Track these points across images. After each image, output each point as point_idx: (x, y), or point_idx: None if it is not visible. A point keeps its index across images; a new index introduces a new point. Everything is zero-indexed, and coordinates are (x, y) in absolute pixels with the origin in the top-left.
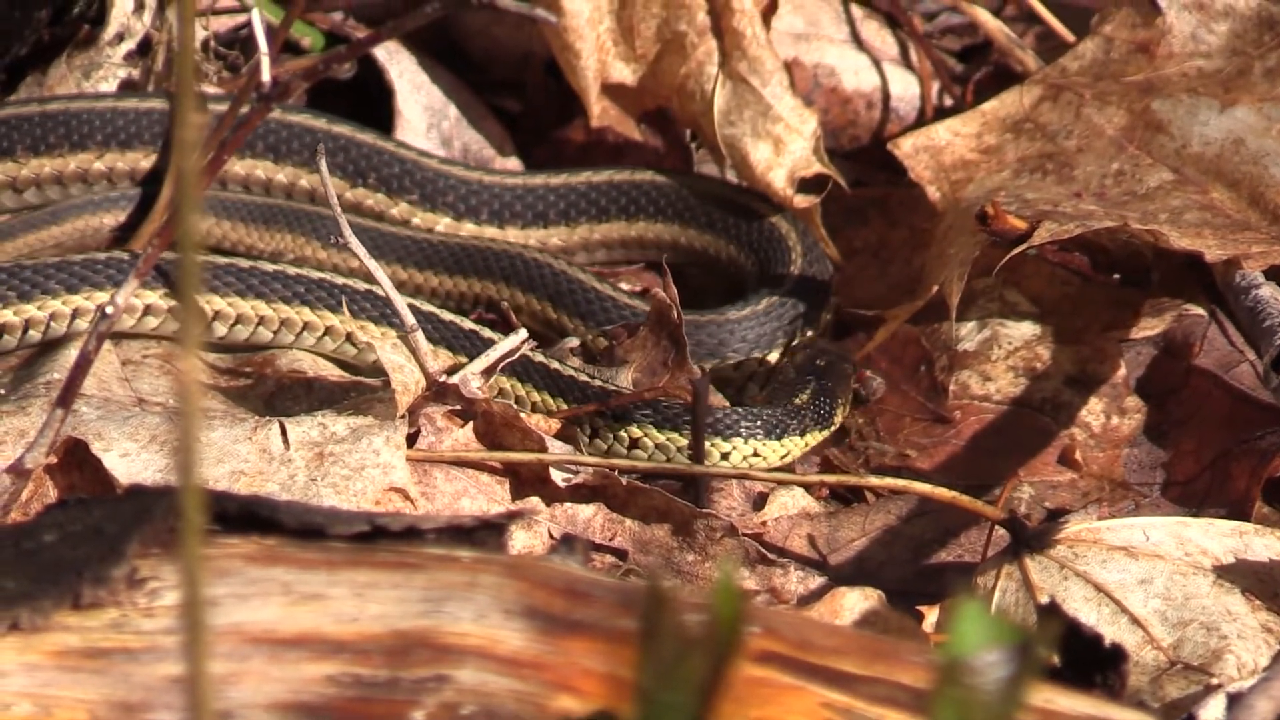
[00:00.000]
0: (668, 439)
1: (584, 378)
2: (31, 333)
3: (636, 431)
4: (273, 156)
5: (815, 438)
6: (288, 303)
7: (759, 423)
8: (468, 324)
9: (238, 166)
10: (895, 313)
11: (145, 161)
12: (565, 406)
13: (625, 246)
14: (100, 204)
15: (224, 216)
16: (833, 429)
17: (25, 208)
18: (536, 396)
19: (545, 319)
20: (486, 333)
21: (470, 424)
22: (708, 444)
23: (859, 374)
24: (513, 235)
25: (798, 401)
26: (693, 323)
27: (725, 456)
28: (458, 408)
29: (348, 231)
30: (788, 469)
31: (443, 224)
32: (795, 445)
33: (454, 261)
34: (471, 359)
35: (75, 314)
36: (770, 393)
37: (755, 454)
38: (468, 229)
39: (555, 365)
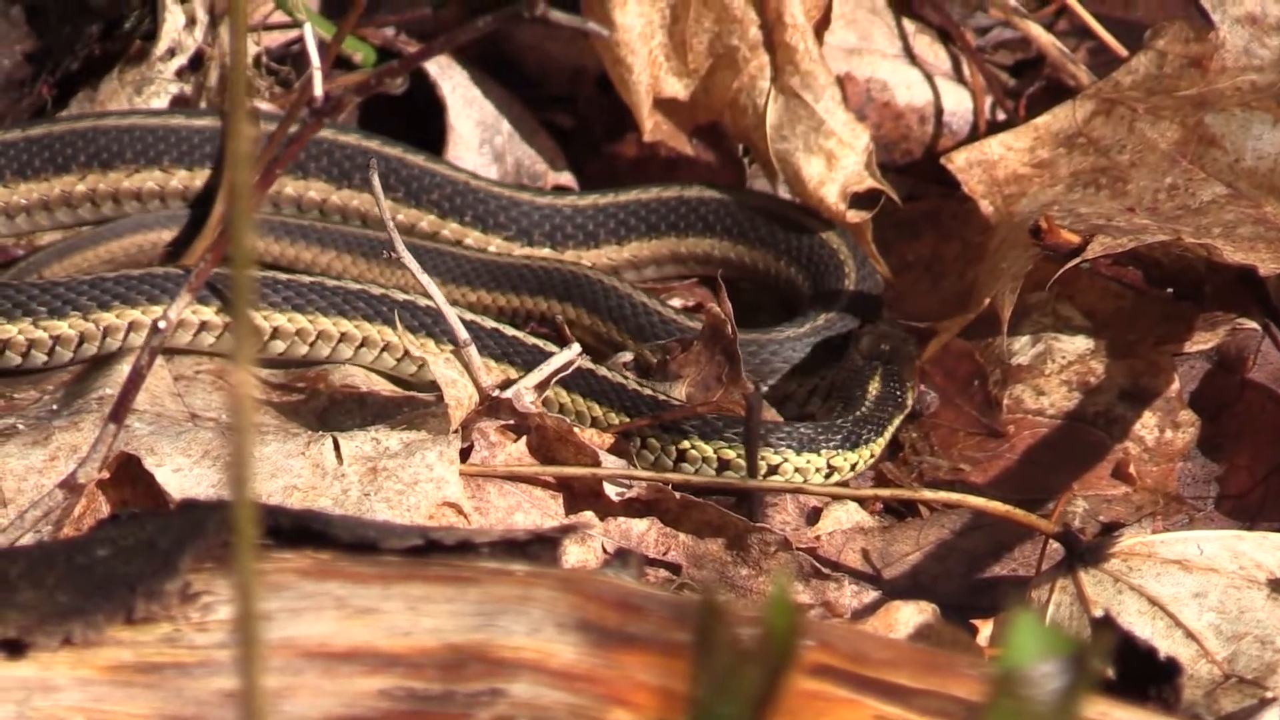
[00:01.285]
0: (718, 452)
1: (641, 389)
2: (86, 346)
3: (688, 445)
4: (325, 178)
5: (878, 445)
6: (347, 317)
7: (830, 434)
8: (521, 336)
9: (290, 188)
10: (947, 325)
11: (198, 180)
12: (621, 419)
13: (676, 262)
14: (154, 221)
15: (276, 236)
16: (905, 410)
17: (80, 223)
18: (597, 411)
19: (597, 334)
20: (539, 344)
21: (524, 438)
22: (778, 458)
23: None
24: (565, 256)
25: (863, 410)
26: (744, 341)
27: (799, 471)
28: (511, 422)
29: (400, 245)
30: (842, 483)
31: (495, 245)
32: (864, 454)
33: (506, 278)
34: (524, 372)
35: (130, 328)
36: (838, 381)
37: (828, 467)
38: (520, 250)
39: (613, 376)
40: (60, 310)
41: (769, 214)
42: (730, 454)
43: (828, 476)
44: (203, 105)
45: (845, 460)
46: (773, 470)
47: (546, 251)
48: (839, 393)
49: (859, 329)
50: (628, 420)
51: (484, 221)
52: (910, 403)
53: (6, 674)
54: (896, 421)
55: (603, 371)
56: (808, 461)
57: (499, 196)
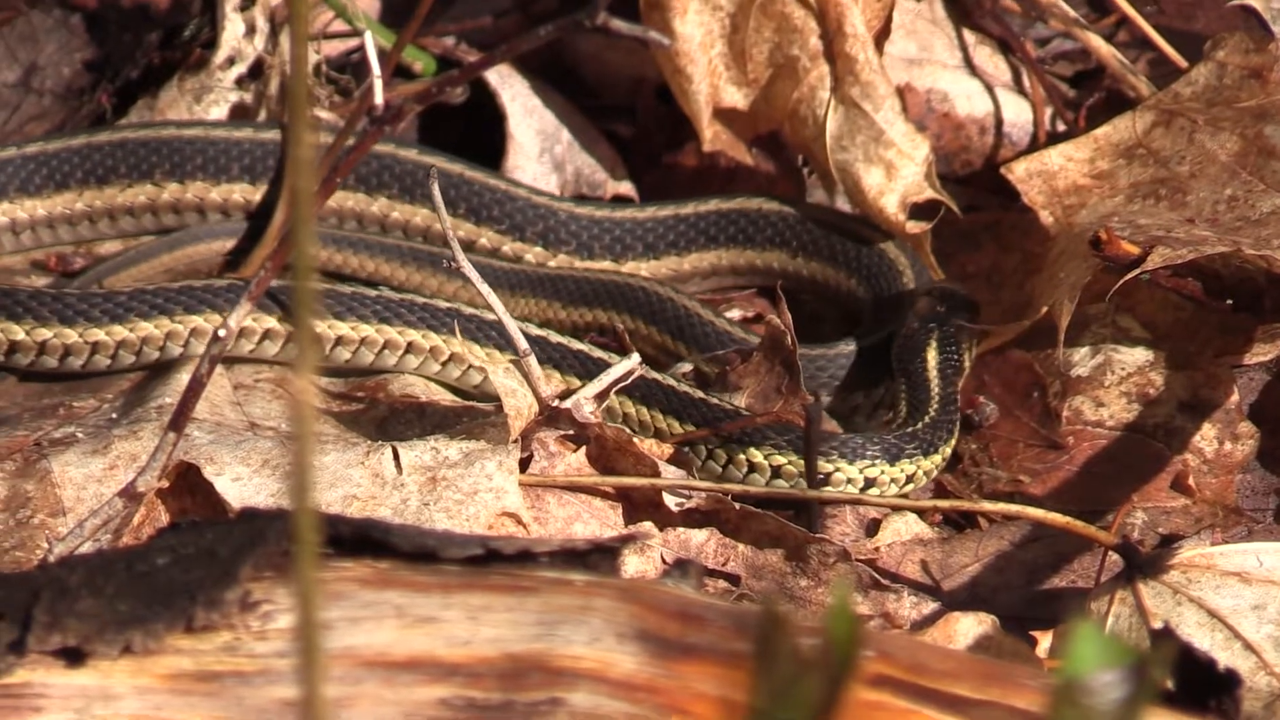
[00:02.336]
0: (790, 462)
1: (703, 397)
2: (147, 351)
3: (756, 455)
4: (387, 193)
5: (943, 455)
6: (409, 326)
7: (905, 442)
8: (581, 346)
9: (351, 202)
10: (1001, 329)
11: (258, 193)
12: (683, 427)
13: (735, 274)
14: (214, 232)
15: (338, 247)
16: (965, 374)
17: (141, 233)
18: (659, 419)
19: (656, 344)
20: (598, 354)
21: (583, 448)
22: (840, 469)
23: (972, 399)
24: (624, 268)
25: (928, 419)
26: (803, 355)
27: (871, 482)
28: (570, 432)
29: (460, 255)
30: (902, 496)
31: (555, 260)
32: (935, 461)
33: (565, 290)
34: (582, 380)
35: (192, 334)
36: (896, 350)
37: (903, 476)
38: (579, 264)
39: (675, 385)
40: (122, 316)
41: (828, 225)
42: (827, 468)
43: (904, 485)
44: (262, 114)
45: (919, 467)
46: (869, 483)
47: (606, 264)
48: (898, 363)
49: (918, 290)
50: (689, 429)
51: (544, 237)
52: (969, 364)
53: (66, 682)
54: (945, 453)
55: (664, 380)
56: (882, 472)
57: (557, 211)
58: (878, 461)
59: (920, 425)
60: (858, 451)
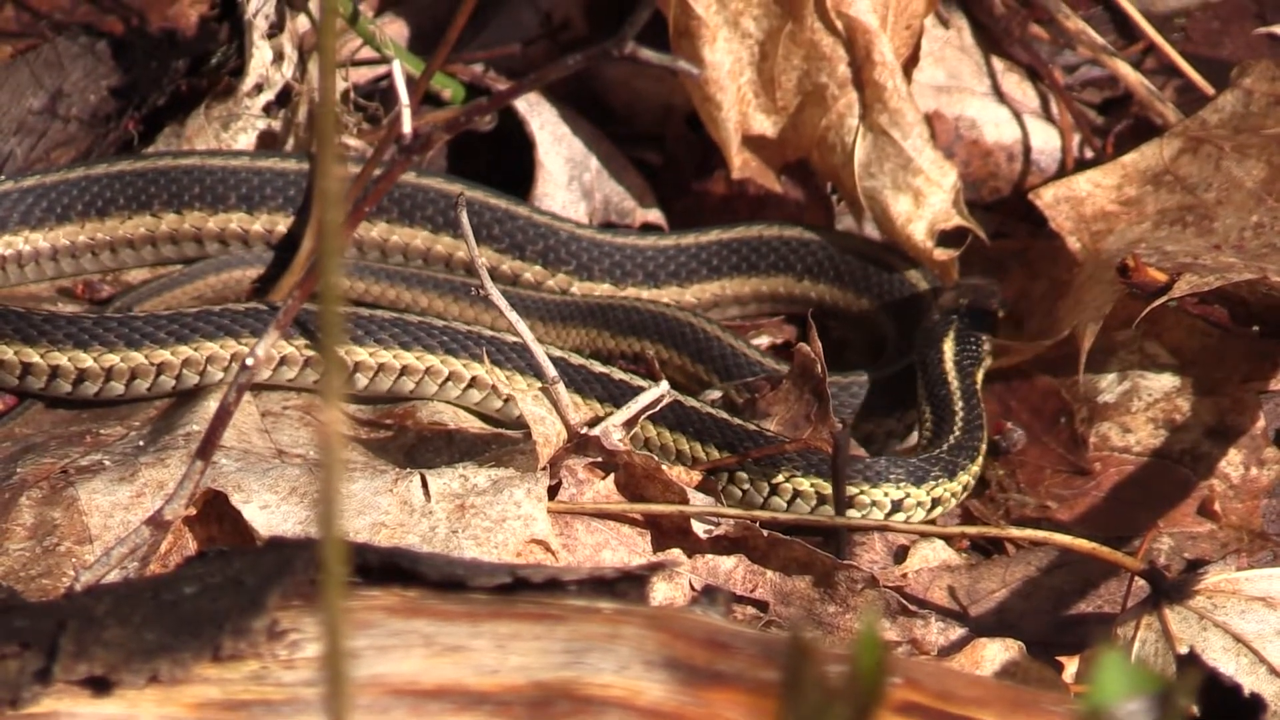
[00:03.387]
0: (815, 488)
1: (733, 422)
2: (164, 378)
3: (785, 480)
4: (425, 226)
5: (974, 471)
6: (432, 352)
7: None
8: (610, 371)
9: (375, 232)
10: (1020, 348)
11: (282, 223)
12: (713, 453)
13: (759, 301)
14: (240, 261)
15: (362, 277)
16: (985, 367)
17: (165, 262)
18: (687, 445)
19: (685, 372)
20: (628, 380)
21: (611, 476)
22: (864, 492)
23: (999, 425)
24: (649, 295)
25: (952, 440)
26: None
27: (897, 505)
28: (599, 460)
29: (488, 282)
30: (929, 522)
31: (577, 287)
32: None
33: (593, 317)
34: (613, 408)
35: (209, 361)
36: (917, 342)
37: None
38: (606, 290)
39: (704, 409)
40: (139, 342)
41: (854, 252)
42: (852, 491)
43: (931, 509)
44: (290, 141)
45: (946, 489)
46: (896, 507)
47: (632, 291)
48: (917, 353)
49: (954, 284)
50: (718, 454)
51: (567, 263)
52: (988, 357)
53: (93, 711)
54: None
55: (693, 404)
56: (908, 495)
57: (583, 239)
58: (903, 484)
59: (946, 447)
60: (882, 475)
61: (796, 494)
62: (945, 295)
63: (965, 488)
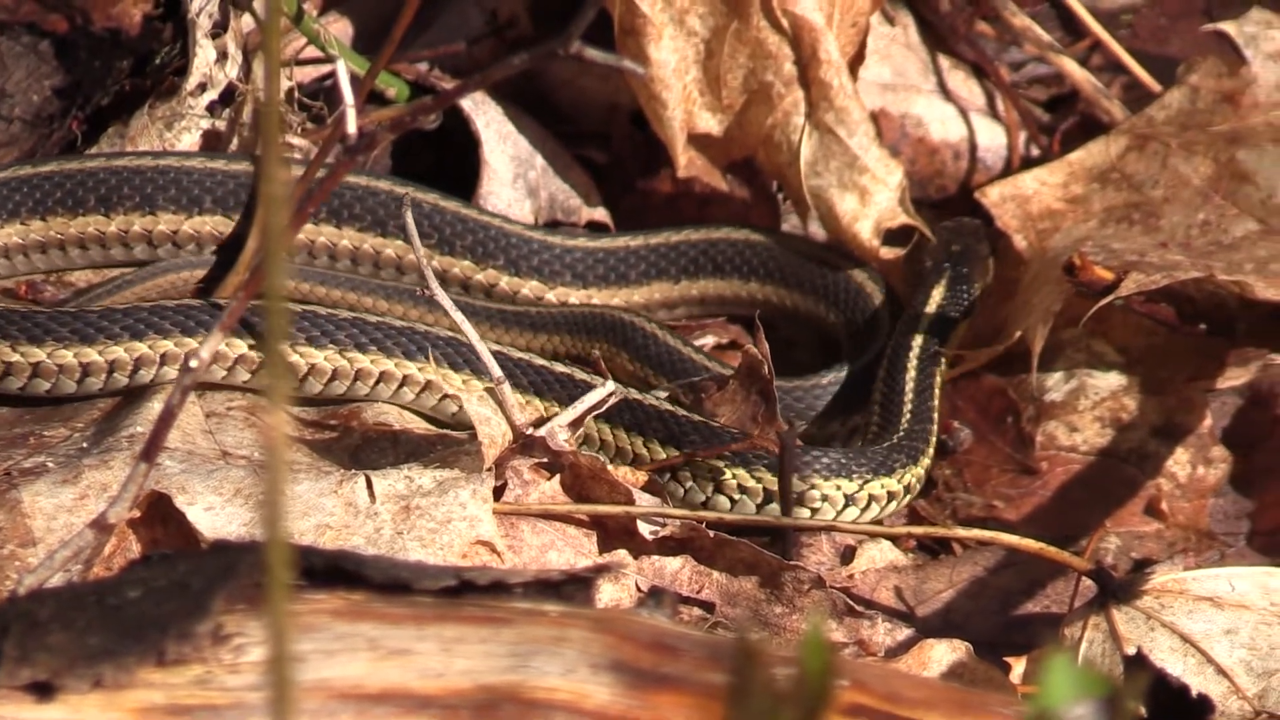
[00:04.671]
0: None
1: (681, 414)
2: (116, 376)
3: (732, 475)
4: (358, 225)
5: (924, 466)
6: (383, 353)
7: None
8: (564, 369)
9: (324, 236)
10: (974, 354)
11: (229, 225)
12: (663, 449)
13: (707, 303)
14: (188, 264)
15: (309, 280)
16: (969, 319)
17: (110, 264)
18: (635, 442)
19: (630, 373)
20: (575, 376)
21: (557, 476)
22: (816, 486)
23: (946, 424)
24: (587, 296)
25: (898, 436)
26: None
27: (850, 498)
28: (545, 460)
29: (434, 283)
30: (876, 522)
31: (528, 289)
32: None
33: (539, 322)
34: (564, 405)
35: (163, 359)
36: (909, 289)
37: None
38: (554, 294)
39: (650, 403)
40: (91, 337)
41: (800, 254)
42: (802, 486)
43: (886, 505)
44: (234, 141)
45: (899, 483)
46: (848, 501)
47: (582, 293)
48: (910, 297)
49: (940, 225)
50: (668, 450)
51: (516, 266)
52: (975, 305)
53: (36, 716)
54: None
55: (640, 398)
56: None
57: (531, 240)
58: (855, 478)
59: (897, 439)
60: (835, 469)
61: (743, 489)
62: (940, 235)
63: (919, 480)
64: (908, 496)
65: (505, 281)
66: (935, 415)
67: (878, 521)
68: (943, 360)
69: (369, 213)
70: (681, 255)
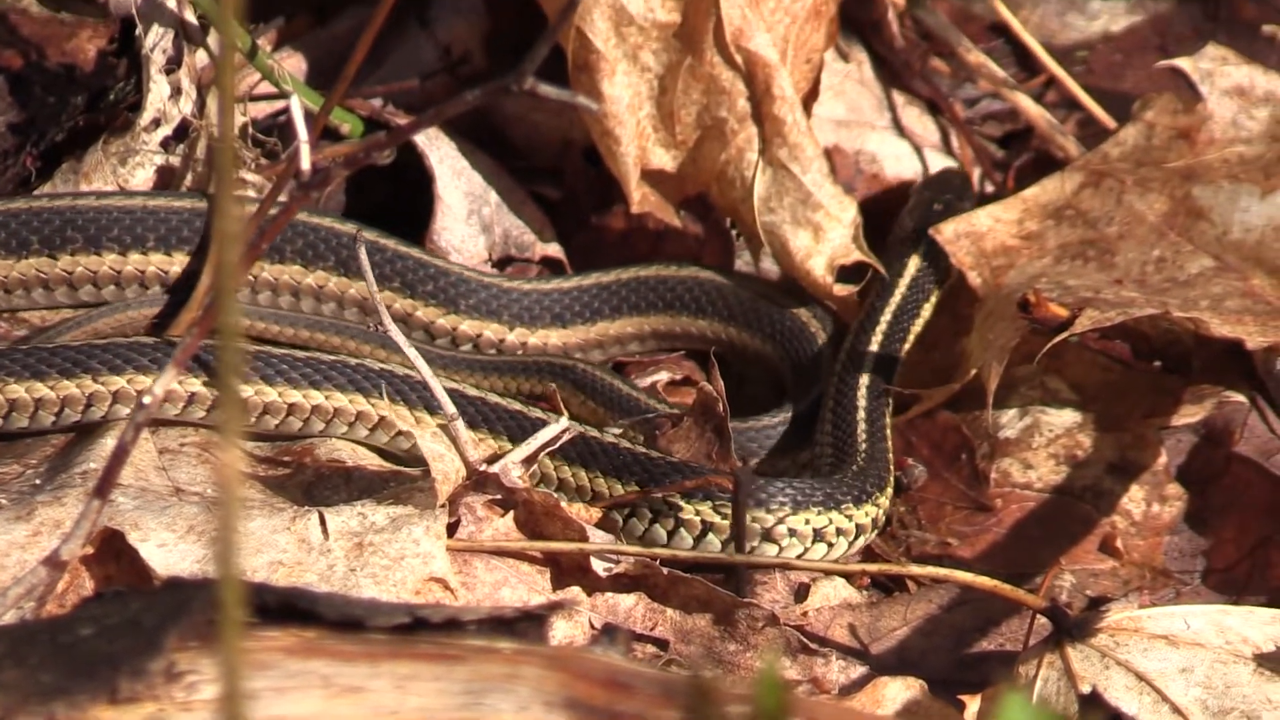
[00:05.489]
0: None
1: (635, 450)
2: (68, 412)
3: (693, 514)
4: (300, 260)
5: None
6: (340, 390)
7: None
8: (519, 407)
9: (268, 272)
10: (931, 394)
11: (177, 264)
12: (617, 485)
13: (658, 339)
14: (138, 304)
15: (263, 319)
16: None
17: (57, 305)
18: (589, 479)
19: (585, 413)
20: (529, 412)
21: (511, 513)
22: (791, 517)
23: (901, 461)
24: (546, 336)
25: (858, 465)
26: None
27: (818, 532)
28: (498, 497)
29: (387, 319)
30: (830, 559)
31: (489, 331)
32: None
33: (489, 365)
34: (517, 442)
35: (116, 396)
36: (888, 246)
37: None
38: (513, 335)
39: (605, 440)
40: (44, 373)
41: (745, 291)
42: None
43: (854, 539)
44: (189, 177)
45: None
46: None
47: (541, 333)
48: (887, 257)
49: (924, 180)
50: (623, 487)
51: (456, 304)
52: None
53: None
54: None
55: (596, 435)
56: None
57: (489, 284)
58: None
59: (853, 470)
60: (800, 501)
61: (707, 525)
62: (923, 193)
63: (883, 510)
64: (874, 531)
65: (445, 320)
66: (890, 446)
67: (832, 560)
68: (890, 399)
69: (330, 250)
70: (633, 292)
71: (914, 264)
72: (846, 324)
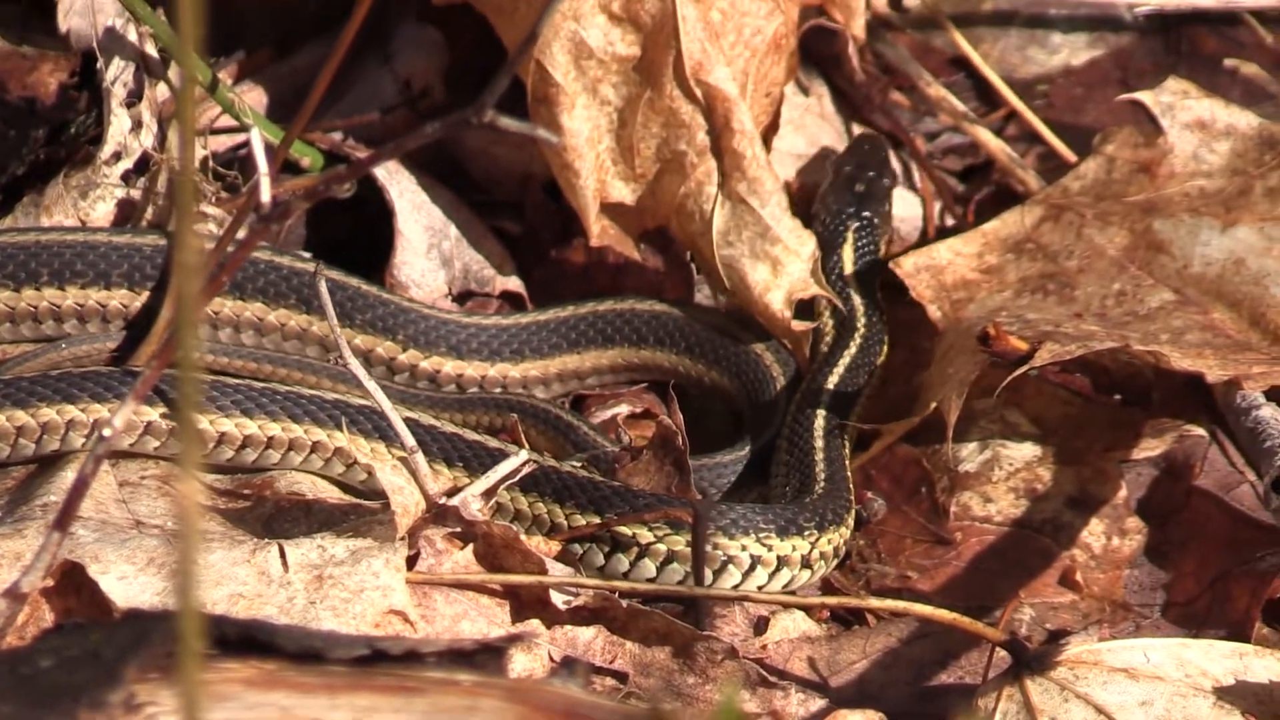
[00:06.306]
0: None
1: (597, 479)
2: (23, 442)
3: (657, 541)
4: (263, 298)
5: (846, 529)
6: (296, 421)
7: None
8: (476, 437)
9: (229, 308)
10: (891, 428)
11: (139, 300)
12: (574, 513)
13: (616, 372)
14: (98, 337)
15: (226, 355)
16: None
17: (18, 340)
18: (549, 510)
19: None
20: (490, 444)
21: (470, 546)
22: (753, 543)
23: (860, 495)
24: (508, 370)
25: (818, 495)
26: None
27: (782, 559)
28: (458, 530)
29: (347, 352)
30: (789, 592)
31: (449, 366)
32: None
33: (447, 401)
34: (473, 474)
35: (70, 425)
36: (818, 231)
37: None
38: (476, 369)
39: (565, 470)
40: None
41: (702, 325)
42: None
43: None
44: (149, 210)
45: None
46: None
47: (501, 367)
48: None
49: (842, 153)
50: (584, 518)
51: (437, 345)
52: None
53: None
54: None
55: (554, 466)
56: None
57: (450, 320)
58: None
59: (814, 499)
60: (762, 526)
61: (672, 554)
62: (843, 171)
63: (844, 539)
64: (836, 560)
65: (429, 362)
66: (849, 478)
67: (790, 592)
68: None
69: (290, 289)
70: (590, 326)
71: (848, 254)
72: (802, 359)
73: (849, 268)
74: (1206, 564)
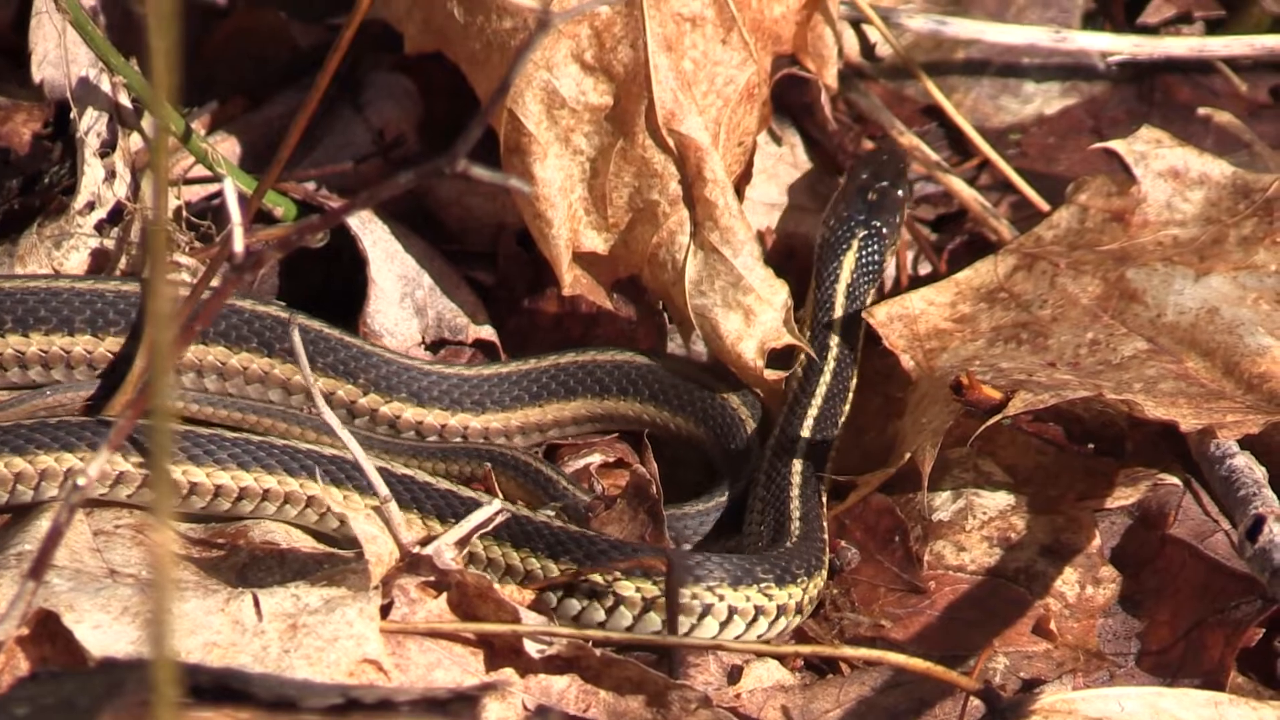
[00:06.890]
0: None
1: (570, 528)
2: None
3: (634, 591)
4: (225, 342)
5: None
6: (268, 471)
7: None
8: (448, 486)
9: (212, 355)
10: (867, 479)
11: (108, 346)
12: (548, 562)
13: (583, 424)
14: (72, 386)
15: (199, 403)
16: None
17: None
18: (522, 558)
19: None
20: (462, 493)
21: (444, 595)
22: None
23: (834, 543)
24: (469, 421)
25: (792, 544)
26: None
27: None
28: (432, 579)
29: (320, 402)
30: (764, 641)
31: (409, 412)
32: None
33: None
34: (445, 522)
35: (43, 475)
36: (817, 252)
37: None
38: (445, 418)
39: (539, 519)
40: None
41: (680, 374)
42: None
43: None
44: (123, 260)
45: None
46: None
47: (469, 418)
48: (817, 263)
49: (859, 159)
50: (558, 566)
51: (379, 385)
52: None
53: None
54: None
55: (527, 515)
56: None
57: (427, 370)
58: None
59: (788, 548)
60: (738, 576)
61: (647, 601)
62: (852, 176)
63: (819, 588)
64: (811, 608)
65: (366, 400)
66: (824, 526)
67: (765, 640)
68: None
69: (252, 332)
70: (567, 376)
71: (849, 264)
72: (774, 409)
73: (846, 277)
74: (1181, 613)
